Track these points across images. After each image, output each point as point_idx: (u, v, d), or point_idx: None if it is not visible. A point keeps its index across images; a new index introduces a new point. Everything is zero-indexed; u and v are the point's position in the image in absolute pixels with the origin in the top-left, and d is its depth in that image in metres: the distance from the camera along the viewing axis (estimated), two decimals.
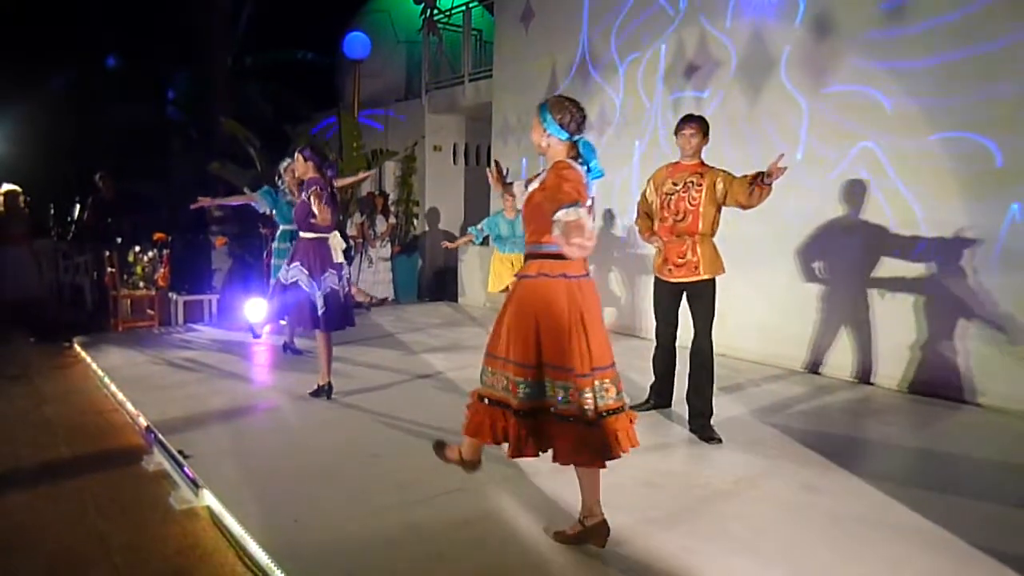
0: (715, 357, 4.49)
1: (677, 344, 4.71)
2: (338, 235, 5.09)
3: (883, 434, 4.73)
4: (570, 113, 2.91)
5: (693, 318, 4.48)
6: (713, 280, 4.44)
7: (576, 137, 2.94)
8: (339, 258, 5.07)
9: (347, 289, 5.21)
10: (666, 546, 2.99)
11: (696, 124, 4.41)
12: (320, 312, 4.96)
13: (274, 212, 6.57)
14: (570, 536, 2.98)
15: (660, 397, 4.91)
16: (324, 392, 5.12)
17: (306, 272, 4.97)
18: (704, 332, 4.44)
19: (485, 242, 7.35)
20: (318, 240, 5.02)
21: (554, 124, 2.90)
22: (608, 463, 2.88)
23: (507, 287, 6.77)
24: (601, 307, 2.99)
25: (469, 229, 7.14)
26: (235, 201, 7.27)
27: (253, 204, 6.72)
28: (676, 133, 4.47)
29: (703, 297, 4.45)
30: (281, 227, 6.50)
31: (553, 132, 2.91)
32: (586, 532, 2.95)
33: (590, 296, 2.90)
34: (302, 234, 5.09)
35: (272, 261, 6.52)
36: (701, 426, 4.41)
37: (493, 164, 3.57)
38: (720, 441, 4.29)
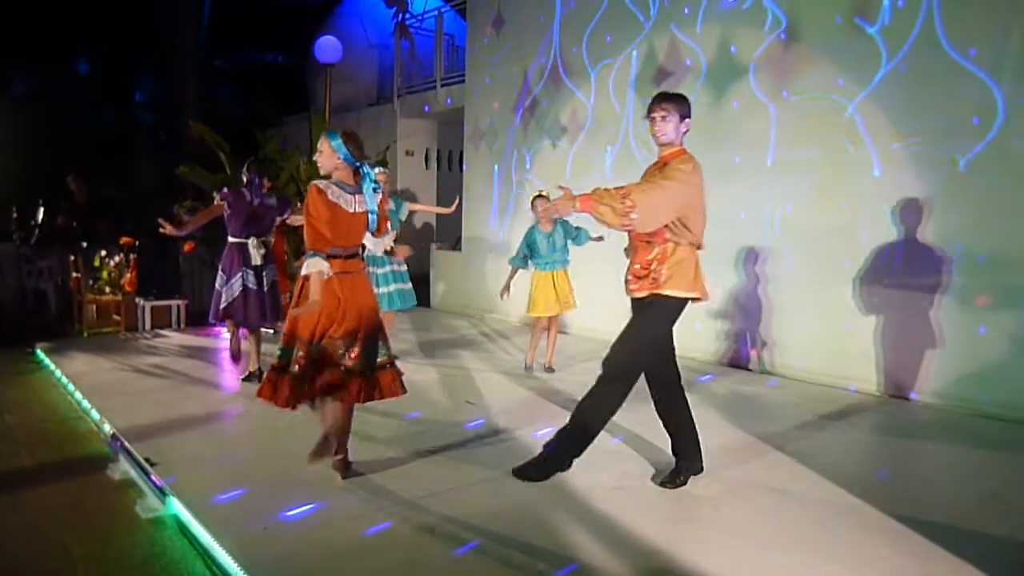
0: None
1: (679, 377, 3.77)
2: (255, 240, 5.53)
3: (851, 433, 4.79)
4: (356, 145, 3.57)
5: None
6: (662, 297, 3.50)
7: (359, 164, 3.58)
8: (256, 260, 5.53)
9: (265, 289, 5.62)
10: (637, 549, 3.01)
11: (666, 105, 3.48)
12: (224, 304, 5.49)
13: None
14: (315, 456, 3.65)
15: (686, 458, 3.77)
16: (255, 377, 5.52)
17: (224, 274, 5.52)
18: (616, 350, 3.60)
19: (525, 262, 6.23)
20: (237, 244, 5.54)
21: (345, 151, 3.53)
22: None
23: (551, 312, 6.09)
24: (371, 293, 3.74)
25: (511, 262, 6.31)
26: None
27: None
28: (647, 118, 3.58)
29: (640, 313, 3.60)
30: None
31: (344, 158, 3.54)
32: (324, 453, 3.66)
33: (349, 286, 3.56)
34: (230, 239, 5.59)
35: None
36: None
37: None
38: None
